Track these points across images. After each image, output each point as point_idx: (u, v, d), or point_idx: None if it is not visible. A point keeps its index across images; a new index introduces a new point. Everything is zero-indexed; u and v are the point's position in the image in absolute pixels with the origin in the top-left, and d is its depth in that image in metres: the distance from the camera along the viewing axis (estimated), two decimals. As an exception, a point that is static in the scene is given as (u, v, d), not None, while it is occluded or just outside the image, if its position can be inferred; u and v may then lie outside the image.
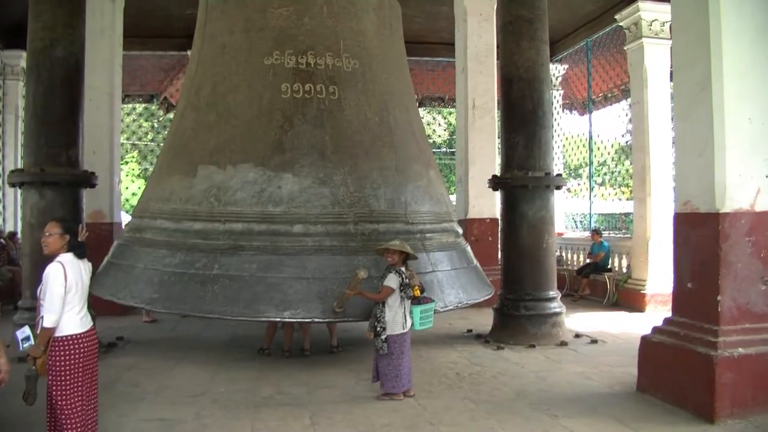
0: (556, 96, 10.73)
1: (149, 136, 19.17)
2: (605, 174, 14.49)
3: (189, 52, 9.29)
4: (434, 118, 20.92)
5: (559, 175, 5.97)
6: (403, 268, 3.81)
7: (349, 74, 4.51)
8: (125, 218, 8.34)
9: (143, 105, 13.83)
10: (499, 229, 6.48)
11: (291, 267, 3.98)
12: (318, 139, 4.32)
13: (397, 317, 3.80)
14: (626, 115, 9.37)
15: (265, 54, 4.45)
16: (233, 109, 4.51)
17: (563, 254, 9.80)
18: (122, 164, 14.53)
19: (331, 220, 4.15)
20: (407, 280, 3.78)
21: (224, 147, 4.44)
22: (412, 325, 3.85)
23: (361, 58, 4.60)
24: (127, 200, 15.91)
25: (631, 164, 8.95)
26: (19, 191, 7.07)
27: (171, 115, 12.10)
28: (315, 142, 4.31)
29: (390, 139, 4.56)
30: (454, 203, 7.67)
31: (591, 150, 10.17)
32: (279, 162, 4.25)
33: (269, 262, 3.99)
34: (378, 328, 3.79)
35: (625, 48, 8.37)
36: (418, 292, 3.84)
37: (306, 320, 4.10)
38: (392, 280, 3.74)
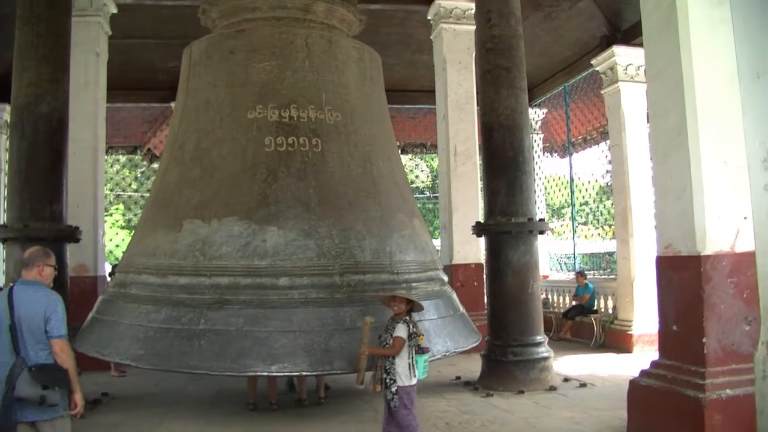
0: (537, 140, 10.88)
1: (133, 186, 19.16)
2: (587, 213, 14.61)
3: (172, 104, 9.39)
4: (417, 165, 21.10)
5: (542, 219, 6.04)
6: (408, 317, 3.72)
7: (331, 126, 4.56)
8: (108, 267, 8.30)
9: (127, 156, 13.85)
10: (485, 275, 6.50)
11: (277, 320, 3.95)
12: (302, 191, 4.35)
13: (407, 368, 3.63)
14: (606, 156, 9.50)
15: (248, 108, 4.50)
16: (217, 163, 4.54)
17: (549, 297, 9.81)
18: (106, 215, 14.49)
19: (317, 272, 4.14)
20: (413, 330, 3.66)
21: (209, 201, 4.45)
22: (417, 375, 3.68)
23: (343, 110, 4.66)
24: (111, 252, 15.79)
25: (612, 203, 9.05)
26: (1, 246, 7.03)
27: (155, 166, 12.13)
28: (299, 195, 4.33)
29: (374, 190, 4.60)
30: (439, 249, 7.70)
31: (573, 193, 10.27)
32: (264, 215, 4.26)
33: (255, 316, 3.97)
34: (388, 381, 3.60)
35: (602, 92, 8.54)
36: (421, 341, 3.75)
37: (294, 374, 4.06)
38: (402, 331, 3.59)
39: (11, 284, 2.85)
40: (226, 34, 4.92)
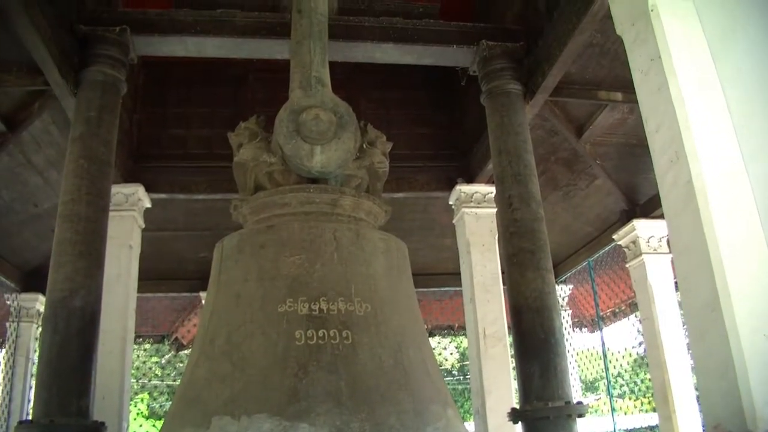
0: (565, 316, 10.80)
1: (157, 373, 19.01)
2: (622, 386, 14.12)
3: (201, 293, 9.58)
4: (445, 348, 20.86)
5: (580, 402, 5.83)
6: None
7: (361, 318, 4.57)
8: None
9: (154, 346, 13.92)
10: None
11: None
12: (333, 385, 4.27)
13: None
14: (638, 330, 9.35)
15: (278, 302, 4.54)
16: (248, 358, 4.51)
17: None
18: (130, 405, 14.26)
19: (351, 470, 3.97)
20: None
21: (239, 397, 4.37)
22: None
23: (372, 301, 4.69)
24: (133, 442, 15.36)
25: (647, 375, 8.77)
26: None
27: (182, 353, 12.09)
28: (330, 389, 4.25)
29: (405, 381, 4.51)
30: (474, 435, 7.41)
31: (607, 369, 10.00)
32: (294, 411, 4.16)
33: None
34: None
35: (626, 266, 8.58)
36: None
37: None
38: None
39: None
40: (256, 230, 5.07)
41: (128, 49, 6.18)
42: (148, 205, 8.22)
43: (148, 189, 8.17)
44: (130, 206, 7.90)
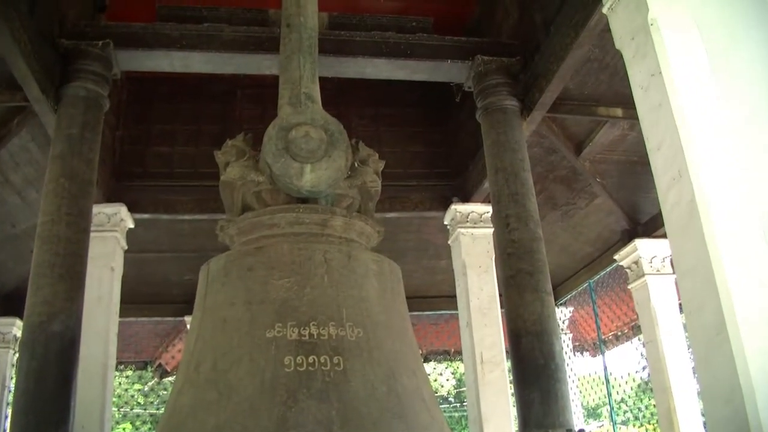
0: (565, 340, 10.80)
1: (137, 399, 18.86)
2: (625, 412, 14.08)
3: (186, 318, 9.52)
4: (441, 374, 20.80)
5: (582, 430, 5.84)
6: None
7: (353, 343, 4.53)
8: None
9: (137, 372, 13.82)
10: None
11: None
12: (324, 414, 4.23)
13: None
14: (641, 354, 9.34)
15: (267, 327, 4.50)
16: (235, 385, 4.47)
17: None
18: (110, 435, 14.12)
19: (342, 503, 3.93)
20: None
21: (225, 426, 4.32)
22: None
23: (364, 325, 4.65)
24: (113, 475, 15.19)
25: (651, 400, 8.75)
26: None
27: (165, 380, 11.99)
28: (321, 418, 4.21)
29: (400, 409, 4.47)
30: (471, 465, 7.36)
31: (610, 395, 9.99)
32: (283, 441, 4.13)
33: None
34: None
35: (629, 287, 8.58)
36: None
37: None
38: None
39: None
40: (244, 251, 5.05)
41: (111, 64, 6.19)
42: (131, 225, 8.20)
43: (131, 209, 8.16)
44: (112, 227, 7.88)
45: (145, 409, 18.43)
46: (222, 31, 6.33)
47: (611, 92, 7.00)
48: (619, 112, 7.16)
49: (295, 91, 4.91)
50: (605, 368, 10.24)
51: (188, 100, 9.07)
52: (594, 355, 11.48)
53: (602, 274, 9.76)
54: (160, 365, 11.66)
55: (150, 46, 6.25)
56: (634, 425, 14.86)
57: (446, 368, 20.47)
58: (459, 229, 8.37)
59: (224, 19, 6.44)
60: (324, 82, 5.19)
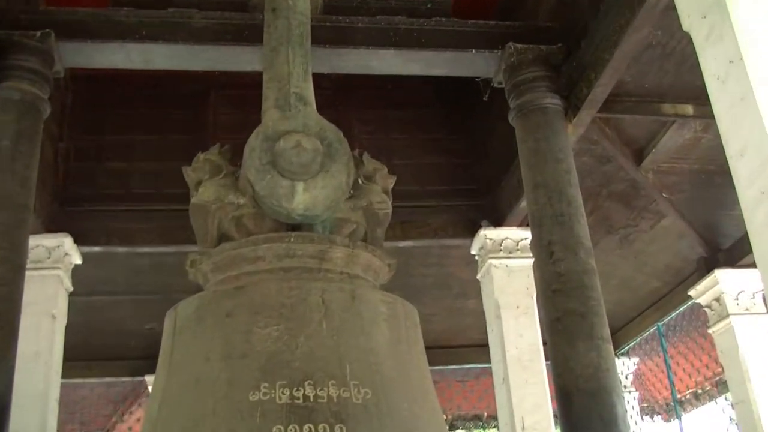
0: (630, 400, 10.72)
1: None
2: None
3: (147, 378, 9.51)
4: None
5: None
6: None
7: (359, 407, 4.51)
8: None
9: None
10: None
11: None
12: (325, 501, 4.23)
13: None
14: (729, 418, 9.25)
15: (250, 387, 4.48)
16: (210, 464, 4.47)
17: None
18: None
19: None
20: None
21: None
22: None
23: (373, 384, 4.64)
24: None
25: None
26: None
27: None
28: (321, 506, 4.21)
29: (420, 493, 4.47)
30: None
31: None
32: None
33: None
34: None
35: (709, 331, 8.52)
36: None
37: None
38: None
39: None
40: (221, 292, 5.05)
41: (53, 59, 6.22)
42: (78, 261, 8.21)
43: (78, 241, 8.16)
44: (53, 263, 7.88)
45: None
46: (191, 18, 6.36)
47: (678, 85, 7.01)
48: (689, 109, 7.16)
49: (283, 91, 4.93)
50: (681, 436, 10.09)
51: (149, 104, 9.13)
52: (668, 420, 11.35)
53: (674, 314, 9.67)
54: (114, 439, 11.62)
55: (101, 37, 6.27)
56: None
57: (477, 437, 20.33)
58: (490, 261, 8.34)
59: (194, 4, 6.48)
60: (319, 79, 5.22)
